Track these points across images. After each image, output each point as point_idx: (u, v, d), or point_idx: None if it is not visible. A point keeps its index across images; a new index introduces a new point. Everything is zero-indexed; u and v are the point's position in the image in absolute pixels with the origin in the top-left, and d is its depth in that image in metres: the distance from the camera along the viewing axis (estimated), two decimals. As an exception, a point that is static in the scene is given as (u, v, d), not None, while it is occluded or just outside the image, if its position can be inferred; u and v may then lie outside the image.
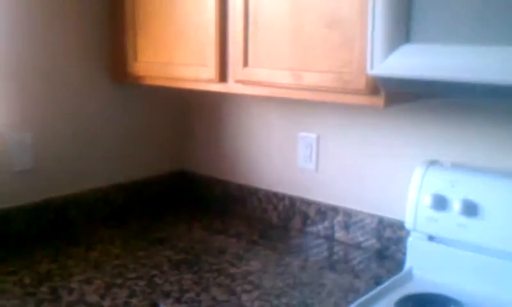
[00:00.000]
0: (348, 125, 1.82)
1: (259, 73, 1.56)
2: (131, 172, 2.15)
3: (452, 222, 1.48)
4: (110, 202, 2.07)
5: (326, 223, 1.89)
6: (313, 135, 1.91)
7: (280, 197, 2.01)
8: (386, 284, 1.49)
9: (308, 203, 1.94)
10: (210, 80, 1.69)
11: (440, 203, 1.49)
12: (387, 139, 1.74)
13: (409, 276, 1.55)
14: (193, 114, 2.28)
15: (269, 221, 2.04)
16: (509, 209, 1.40)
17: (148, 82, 1.89)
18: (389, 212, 1.75)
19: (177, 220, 2.06)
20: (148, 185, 2.21)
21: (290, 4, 1.48)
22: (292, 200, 1.98)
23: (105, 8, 1.96)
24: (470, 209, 1.44)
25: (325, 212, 1.89)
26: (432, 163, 1.56)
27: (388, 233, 1.75)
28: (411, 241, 1.58)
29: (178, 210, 2.18)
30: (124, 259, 1.69)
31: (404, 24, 1.19)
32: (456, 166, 1.54)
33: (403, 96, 1.46)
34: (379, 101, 1.37)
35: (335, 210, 1.87)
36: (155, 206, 2.21)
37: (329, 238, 1.88)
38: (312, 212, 1.93)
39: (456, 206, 1.45)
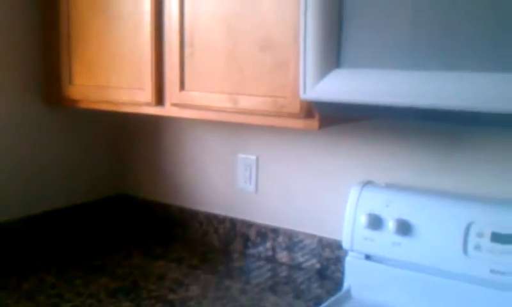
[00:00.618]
0: (286, 146, 1.84)
1: (195, 97, 1.56)
2: (69, 197, 2.10)
3: (387, 241, 1.51)
4: (46, 229, 2.01)
5: (267, 244, 1.90)
6: (253, 157, 1.91)
7: (220, 219, 2.00)
8: (325, 304, 1.50)
9: (249, 225, 1.93)
10: (146, 104, 1.67)
11: (375, 222, 1.51)
12: (325, 160, 1.76)
13: (347, 296, 1.57)
14: (132, 137, 2.25)
15: (210, 244, 2.03)
16: (441, 227, 1.44)
17: (84, 105, 1.85)
18: (328, 232, 1.77)
19: (116, 245, 2.02)
20: (87, 210, 2.16)
21: (225, 27, 1.48)
22: (233, 222, 1.97)
23: (40, 31, 1.92)
24: (404, 228, 1.47)
25: (265, 233, 1.90)
26: (367, 183, 1.59)
27: (327, 253, 1.76)
28: (348, 260, 1.60)
29: (117, 235, 2.14)
30: (59, 288, 1.64)
31: (335, 49, 1.21)
32: (390, 186, 1.58)
33: (338, 118, 1.48)
34: (314, 124, 1.39)
35: (275, 231, 1.87)
36: (93, 231, 2.16)
37: (270, 260, 1.88)
38: (252, 234, 1.93)
39: (391, 225, 1.48)
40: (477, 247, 1.39)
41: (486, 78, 1.07)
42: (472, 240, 1.40)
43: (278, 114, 1.42)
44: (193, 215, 2.08)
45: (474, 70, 1.08)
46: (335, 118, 1.46)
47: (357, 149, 1.69)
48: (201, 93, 1.55)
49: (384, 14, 1.16)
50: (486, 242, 1.38)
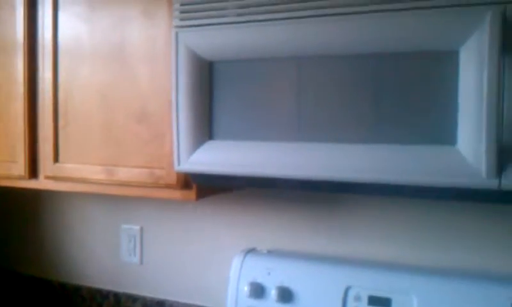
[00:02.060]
0: (170, 216, 1.80)
1: (70, 169, 1.51)
2: None
3: (270, 309, 1.50)
4: None
5: (153, 318, 1.83)
6: (137, 227, 1.86)
7: (104, 294, 1.91)
8: None
9: (134, 299, 1.86)
10: (20, 177, 1.59)
11: (258, 291, 1.50)
12: (209, 229, 1.74)
13: None
14: (8, 210, 2.12)
15: (94, 321, 1.93)
16: (321, 292, 1.45)
17: (-48, 179, 1.74)
18: (215, 302, 1.73)
19: (-11, 329, 1.87)
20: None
21: (100, 98, 1.46)
22: (117, 297, 1.89)
23: None
24: (285, 295, 1.47)
25: (152, 306, 1.83)
26: (250, 251, 1.59)
27: (214, 323, 1.73)
28: (234, 331, 1.57)
29: (-9, 316, 1.99)
30: None
31: (207, 122, 1.22)
32: (272, 253, 1.58)
33: (216, 188, 1.48)
34: (191, 195, 1.38)
35: (161, 304, 1.81)
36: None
37: (157, 334, 1.82)
38: (138, 308, 1.85)
39: (273, 293, 1.48)
40: (356, 311, 1.42)
41: (362, 150, 1.11)
42: (351, 304, 1.42)
43: (156, 185, 1.40)
44: (75, 290, 1.97)
45: (352, 142, 1.11)
46: (213, 188, 1.46)
47: (240, 217, 1.69)
48: (76, 165, 1.50)
49: (258, 90, 1.18)
50: (363, 305, 1.41)
